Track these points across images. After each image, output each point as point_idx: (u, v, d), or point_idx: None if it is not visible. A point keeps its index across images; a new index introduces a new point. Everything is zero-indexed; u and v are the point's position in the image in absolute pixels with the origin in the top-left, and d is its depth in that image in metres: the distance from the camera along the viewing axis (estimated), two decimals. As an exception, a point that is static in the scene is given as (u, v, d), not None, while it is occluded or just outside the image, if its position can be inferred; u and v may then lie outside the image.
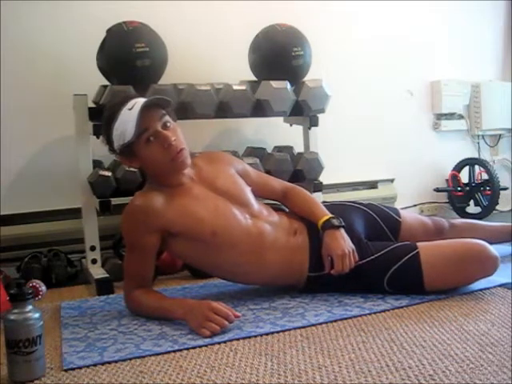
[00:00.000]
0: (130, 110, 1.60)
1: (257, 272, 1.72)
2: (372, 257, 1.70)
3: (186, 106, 2.17)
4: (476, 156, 3.37)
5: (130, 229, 1.66)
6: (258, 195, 1.85)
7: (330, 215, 1.74)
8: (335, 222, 1.72)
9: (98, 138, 2.13)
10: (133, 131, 1.58)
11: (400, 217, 1.97)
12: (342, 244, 1.67)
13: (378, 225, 1.91)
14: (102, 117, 1.74)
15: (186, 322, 1.50)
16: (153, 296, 1.65)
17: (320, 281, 1.72)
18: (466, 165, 3.24)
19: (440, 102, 3.29)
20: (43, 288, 1.96)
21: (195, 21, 2.66)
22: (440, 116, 3.34)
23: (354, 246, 1.69)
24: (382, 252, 1.70)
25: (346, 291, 1.72)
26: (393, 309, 1.58)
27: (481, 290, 1.71)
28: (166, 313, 1.57)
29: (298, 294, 1.76)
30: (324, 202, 2.00)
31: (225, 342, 1.39)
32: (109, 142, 1.68)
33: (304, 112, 2.40)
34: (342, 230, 1.72)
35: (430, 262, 1.65)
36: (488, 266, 1.65)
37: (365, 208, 1.94)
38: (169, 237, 1.66)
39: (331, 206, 1.86)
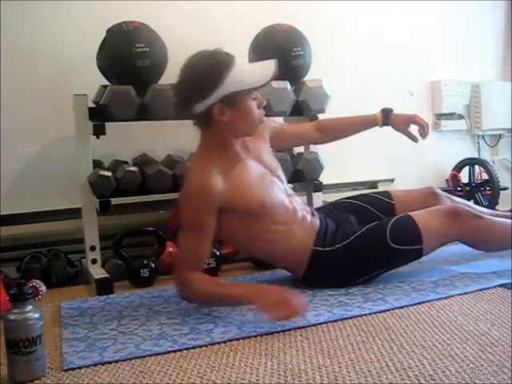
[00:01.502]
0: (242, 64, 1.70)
1: (282, 242, 1.76)
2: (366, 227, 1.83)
3: (186, 105, 2.17)
4: (476, 156, 3.37)
5: (192, 208, 1.63)
6: (298, 143, 2.14)
7: (374, 115, 2.15)
8: (380, 116, 2.15)
9: (97, 137, 2.14)
10: (260, 80, 1.65)
11: (392, 199, 2.03)
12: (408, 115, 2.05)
13: (372, 214, 1.96)
14: (199, 68, 1.66)
15: (256, 303, 1.51)
16: (214, 282, 1.66)
17: (324, 255, 1.78)
18: (466, 165, 3.24)
19: (440, 102, 3.29)
20: (43, 288, 1.96)
21: (195, 21, 2.65)
22: (440, 116, 3.34)
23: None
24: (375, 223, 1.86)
25: (347, 263, 1.77)
26: (393, 309, 1.58)
27: (481, 289, 1.71)
28: (235, 298, 1.58)
29: (302, 287, 1.76)
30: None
31: (225, 342, 1.39)
32: (203, 89, 1.61)
33: (304, 112, 2.40)
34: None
35: (419, 215, 1.82)
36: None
37: (356, 201, 2.03)
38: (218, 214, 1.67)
39: (326, 207, 2.05)
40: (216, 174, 1.64)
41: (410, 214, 1.84)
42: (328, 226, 1.87)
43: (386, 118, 2.08)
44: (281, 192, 1.81)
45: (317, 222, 1.87)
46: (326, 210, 1.99)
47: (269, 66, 1.68)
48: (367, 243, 1.79)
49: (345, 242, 1.80)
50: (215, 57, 1.67)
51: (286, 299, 1.47)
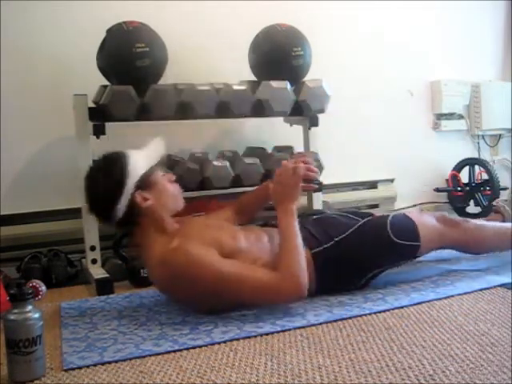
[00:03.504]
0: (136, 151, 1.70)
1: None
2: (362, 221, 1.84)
3: (186, 105, 2.17)
4: (476, 156, 3.37)
5: (198, 263, 1.53)
6: None
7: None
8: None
9: (98, 137, 2.14)
10: (158, 158, 1.70)
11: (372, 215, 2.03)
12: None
13: (352, 218, 1.95)
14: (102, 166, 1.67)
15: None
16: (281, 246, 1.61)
17: (325, 252, 1.74)
18: (466, 165, 3.24)
19: (440, 102, 3.29)
20: (43, 288, 1.96)
21: (195, 21, 2.65)
22: (440, 116, 3.33)
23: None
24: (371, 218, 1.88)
25: (355, 257, 1.74)
26: (393, 309, 1.58)
27: (481, 289, 1.71)
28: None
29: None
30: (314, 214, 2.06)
31: (225, 341, 1.39)
32: (118, 185, 1.60)
33: (304, 112, 2.40)
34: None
35: (414, 214, 1.91)
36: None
37: (345, 213, 2.02)
38: None
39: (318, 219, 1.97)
40: (189, 240, 1.58)
41: (405, 212, 1.91)
42: (309, 229, 1.81)
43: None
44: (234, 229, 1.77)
45: None
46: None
47: (158, 142, 1.73)
48: (368, 235, 1.78)
49: (343, 236, 1.77)
50: (109, 157, 1.68)
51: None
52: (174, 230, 1.66)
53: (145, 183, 1.63)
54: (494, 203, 2.38)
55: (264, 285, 1.52)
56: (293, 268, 1.53)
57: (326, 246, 1.76)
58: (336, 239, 1.77)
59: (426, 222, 1.87)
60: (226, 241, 1.63)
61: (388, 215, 1.86)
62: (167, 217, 1.68)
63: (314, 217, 1.98)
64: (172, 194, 1.71)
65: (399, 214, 1.89)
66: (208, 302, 1.58)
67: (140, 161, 1.66)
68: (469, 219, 2.01)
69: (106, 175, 1.62)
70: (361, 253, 1.76)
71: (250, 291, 1.53)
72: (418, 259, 1.90)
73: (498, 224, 2.07)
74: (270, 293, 1.53)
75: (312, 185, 1.77)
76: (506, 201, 2.34)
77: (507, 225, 2.04)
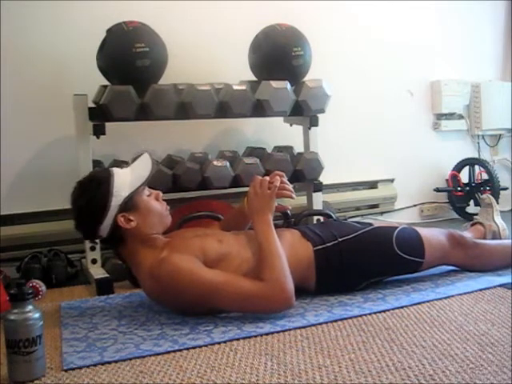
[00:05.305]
0: (121, 169, 1.72)
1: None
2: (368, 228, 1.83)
3: (186, 105, 2.17)
4: (476, 156, 3.37)
5: (184, 273, 1.54)
6: None
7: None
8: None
9: (98, 137, 2.14)
10: (142, 175, 1.65)
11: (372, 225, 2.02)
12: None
13: (350, 225, 1.95)
14: (84, 189, 1.64)
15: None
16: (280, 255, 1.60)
17: (328, 250, 1.74)
18: (466, 165, 3.24)
19: (440, 102, 3.29)
20: (43, 288, 1.96)
21: (195, 21, 2.66)
22: (440, 116, 3.34)
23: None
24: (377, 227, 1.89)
25: (357, 261, 1.74)
26: (393, 309, 1.58)
27: (481, 290, 1.71)
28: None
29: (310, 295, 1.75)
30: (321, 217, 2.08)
31: (225, 341, 1.39)
32: (101, 207, 1.59)
33: (304, 112, 2.40)
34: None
35: (422, 229, 1.86)
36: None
37: (347, 221, 2.03)
38: None
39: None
40: (175, 252, 1.59)
41: (414, 227, 1.88)
42: (311, 228, 1.84)
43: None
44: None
45: (292, 230, 1.83)
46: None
47: (145, 160, 1.70)
48: (373, 243, 1.78)
49: (347, 237, 1.77)
50: (95, 177, 1.69)
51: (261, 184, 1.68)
52: (163, 244, 1.66)
53: (129, 205, 1.62)
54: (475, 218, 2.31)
55: (250, 292, 1.52)
56: (276, 274, 1.54)
57: (328, 244, 1.75)
58: (340, 239, 1.76)
59: (433, 239, 1.84)
60: (211, 247, 1.64)
61: (397, 227, 1.85)
62: (155, 234, 1.67)
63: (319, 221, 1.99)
64: (158, 213, 1.68)
65: (408, 228, 1.87)
66: (199, 310, 1.59)
67: (125, 181, 1.63)
68: (477, 241, 1.98)
69: (90, 196, 1.61)
70: (363, 258, 1.75)
71: (237, 300, 1.53)
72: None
73: (504, 243, 2.04)
74: (257, 301, 1.53)
75: (284, 205, 1.83)
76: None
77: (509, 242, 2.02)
